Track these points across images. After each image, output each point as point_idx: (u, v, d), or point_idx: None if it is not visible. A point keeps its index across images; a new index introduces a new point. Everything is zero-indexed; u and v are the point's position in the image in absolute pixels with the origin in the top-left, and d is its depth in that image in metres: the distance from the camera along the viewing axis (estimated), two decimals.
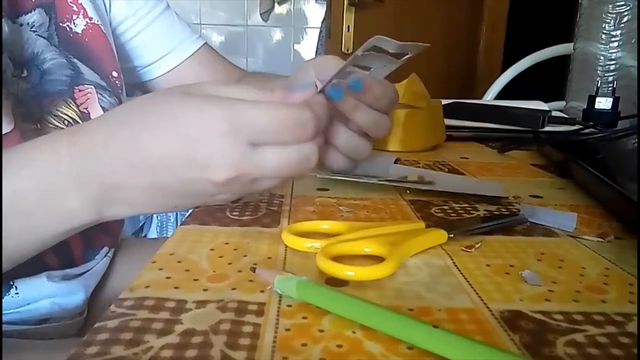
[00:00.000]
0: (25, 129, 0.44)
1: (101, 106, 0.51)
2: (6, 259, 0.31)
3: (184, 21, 0.63)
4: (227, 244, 0.28)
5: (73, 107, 0.49)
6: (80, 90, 0.50)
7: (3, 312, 0.45)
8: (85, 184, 0.29)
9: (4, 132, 0.41)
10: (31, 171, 0.30)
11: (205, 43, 0.64)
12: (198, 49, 0.62)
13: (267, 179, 0.29)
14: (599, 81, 0.81)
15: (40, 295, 0.47)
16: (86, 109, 0.50)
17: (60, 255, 0.49)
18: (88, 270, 0.53)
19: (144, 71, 0.61)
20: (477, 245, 0.29)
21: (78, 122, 0.49)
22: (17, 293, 0.45)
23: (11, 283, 0.45)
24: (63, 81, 0.49)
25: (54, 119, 0.48)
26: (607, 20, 0.80)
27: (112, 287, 0.60)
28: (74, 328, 0.52)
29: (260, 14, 2.19)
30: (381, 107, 0.37)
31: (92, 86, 0.50)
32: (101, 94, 0.51)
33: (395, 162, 0.51)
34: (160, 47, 0.60)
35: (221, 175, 0.27)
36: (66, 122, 0.48)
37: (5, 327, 0.47)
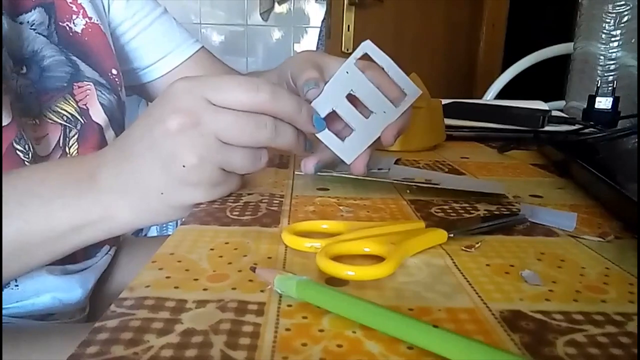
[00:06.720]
0: (23, 123, 0.45)
1: (100, 102, 0.51)
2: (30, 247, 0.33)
3: (182, 25, 0.64)
4: (227, 243, 0.28)
5: (72, 103, 0.49)
6: (79, 87, 0.50)
7: (4, 305, 0.46)
8: (73, 170, 0.34)
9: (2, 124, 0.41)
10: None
11: (203, 46, 0.64)
12: (196, 52, 0.63)
13: (231, 151, 0.31)
14: (599, 81, 0.81)
15: (41, 289, 0.47)
16: (85, 105, 0.50)
17: None
18: (88, 267, 0.53)
19: (143, 73, 0.61)
20: (477, 245, 0.29)
21: (77, 118, 0.49)
22: (17, 285, 0.45)
23: None
24: (62, 78, 0.49)
25: (53, 115, 0.48)
26: (607, 20, 0.80)
27: (116, 284, 0.61)
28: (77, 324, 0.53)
29: (260, 14, 2.19)
30: None
31: (91, 83, 0.51)
32: (100, 91, 0.51)
33: (395, 163, 0.51)
34: (158, 50, 0.60)
35: (173, 120, 0.30)
36: (65, 118, 0.48)
37: (7, 320, 0.47)
